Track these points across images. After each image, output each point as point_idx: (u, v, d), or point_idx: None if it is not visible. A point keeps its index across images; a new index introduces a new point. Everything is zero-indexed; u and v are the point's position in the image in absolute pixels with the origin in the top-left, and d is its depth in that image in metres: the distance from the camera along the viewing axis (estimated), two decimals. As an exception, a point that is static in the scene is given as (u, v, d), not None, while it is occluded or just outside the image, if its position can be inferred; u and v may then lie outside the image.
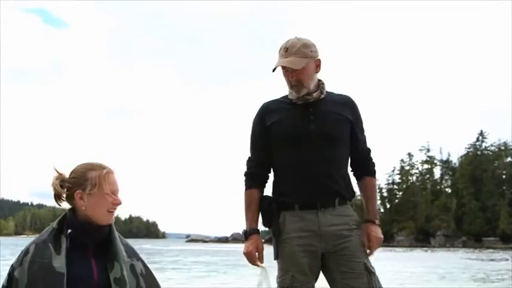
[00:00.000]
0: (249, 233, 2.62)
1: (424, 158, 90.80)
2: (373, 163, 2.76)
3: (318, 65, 2.63)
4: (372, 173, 2.74)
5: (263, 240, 2.65)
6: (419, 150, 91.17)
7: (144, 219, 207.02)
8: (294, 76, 2.57)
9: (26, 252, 1.95)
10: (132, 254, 2.12)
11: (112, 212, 2.06)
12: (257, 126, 2.69)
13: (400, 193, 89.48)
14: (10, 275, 1.94)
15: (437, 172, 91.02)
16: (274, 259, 2.58)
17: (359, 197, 2.78)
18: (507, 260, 34.06)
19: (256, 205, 2.64)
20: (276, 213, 2.59)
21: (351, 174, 2.73)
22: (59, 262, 1.92)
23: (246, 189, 2.67)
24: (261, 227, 2.66)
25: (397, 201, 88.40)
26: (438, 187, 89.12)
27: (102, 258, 2.02)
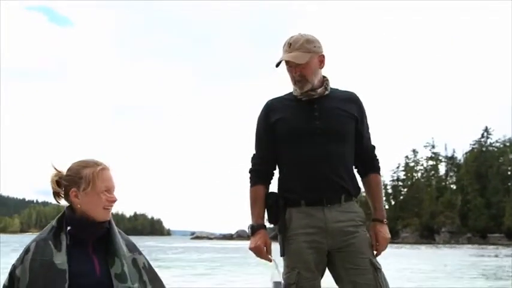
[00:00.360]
0: (256, 228, 2.61)
1: (429, 154, 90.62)
2: (378, 160, 2.76)
3: (321, 61, 2.63)
4: (377, 170, 2.74)
5: (269, 237, 2.65)
6: (424, 146, 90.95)
7: (149, 217, 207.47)
8: (298, 71, 2.58)
9: (26, 250, 1.97)
10: (134, 248, 2.14)
11: (108, 209, 2.07)
12: (262, 123, 2.69)
13: (405, 190, 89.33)
14: (11, 274, 1.95)
15: (442, 168, 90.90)
16: (281, 256, 2.57)
17: (364, 194, 2.78)
18: (512, 256, 33.98)
19: (262, 201, 2.63)
20: (282, 210, 2.59)
21: (355, 170, 2.72)
22: (60, 259, 1.94)
23: (251, 186, 2.67)
24: (266, 224, 2.66)
25: (401, 197, 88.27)
26: (443, 183, 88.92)
27: (103, 254, 2.04)
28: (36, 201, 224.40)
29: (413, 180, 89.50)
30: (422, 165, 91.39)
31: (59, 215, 2.08)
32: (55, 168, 2.12)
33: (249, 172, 2.70)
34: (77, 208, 2.05)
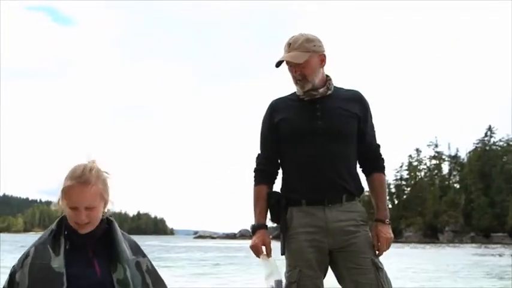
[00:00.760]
0: (257, 228, 2.63)
1: (432, 153, 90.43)
2: (383, 159, 2.74)
3: (322, 60, 2.63)
4: (381, 169, 2.73)
5: (271, 236, 2.65)
6: (428, 145, 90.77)
7: (152, 216, 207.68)
8: (298, 71, 2.59)
9: (26, 255, 1.99)
10: (137, 251, 2.14)
11: (80, 224, 1.98)
12: (266, 123, 2.71)
13: (408, 189, 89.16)
14: (11, 277, 1.97)
15: (445, 168, 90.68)
16: (281, 254, 2.58)
17: (367, 193, 2.77)
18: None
19: (264, 201, 2.65)
20: (283, 209, 2.60)
21: (359, 170, 2.72)
22: (58, 263, 1.95)
23: (254, 185, 2.69)
24: (269, 223, 2.68)
25: (405, 197, 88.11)
26: (446, 183, 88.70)
27: (104, 258, 2.04)
28: (40, 200, 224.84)
29: (417, 179, 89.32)
30: (425, 164, 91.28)
31: (59, 217, 2.07)
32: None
33: (254, 171, 2.72)
34: None
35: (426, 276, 17.50)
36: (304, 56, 2.56)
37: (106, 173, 2.08)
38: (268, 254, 2.60)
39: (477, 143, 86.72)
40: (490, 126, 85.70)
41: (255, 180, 2.70)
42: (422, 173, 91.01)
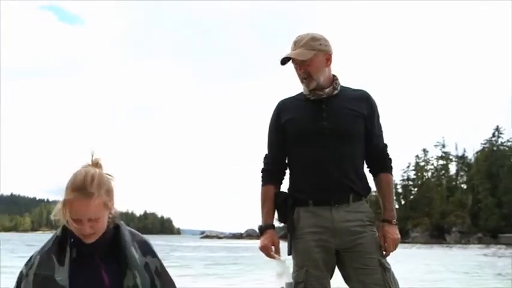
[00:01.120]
0: (264, 228, 2.63)
1: (439, 153, 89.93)
2: (390, 159, 2.73)
3: (328, 59, 2.62)
4: (388, 169, 2.72)
5: (278, 236, 2.65)
6: (435, 146, 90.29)
7: (159, 216, 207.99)
8: (303, 68, 2.59)
9: (31, 264, 1.95)
10: (148, 251, 2.08)
11: (84, 234, 1.93)
12: (273, 124, 2.71)
13: (415, 189, 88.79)
14: (18, 284, 1.95)
15: (452, 168, 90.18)
16: (288, 254, 2.58)
17: (374, 193, 2.76)
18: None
19: (271, 201, 2.65)
20: (290, 209, 2.59)
21: (367, 170, 2.71)
22: (61, 275, 1.90)
23: (262, 186, 2.69)
24: (276, 223, 2.68)
25: (412, 197, 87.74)
26: (453, 183, 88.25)
27: (113, 264, 1.99)
28: (47, 200, 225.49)
29: (424, 179, 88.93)
30: (432, 164, 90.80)
31: (63, 224, 2.00)
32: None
33: (261, 172, 2.72)
34: None
35: (433, 276, 17.45)
36: (309, 54, 2.56)
37: (109, 175, 2.00)
38: (277, 254, 2.59)
39: (484, 143, 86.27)
40: (497, 127, 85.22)
41: (262, 181, 2.70)
42: (430, 173, 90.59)
